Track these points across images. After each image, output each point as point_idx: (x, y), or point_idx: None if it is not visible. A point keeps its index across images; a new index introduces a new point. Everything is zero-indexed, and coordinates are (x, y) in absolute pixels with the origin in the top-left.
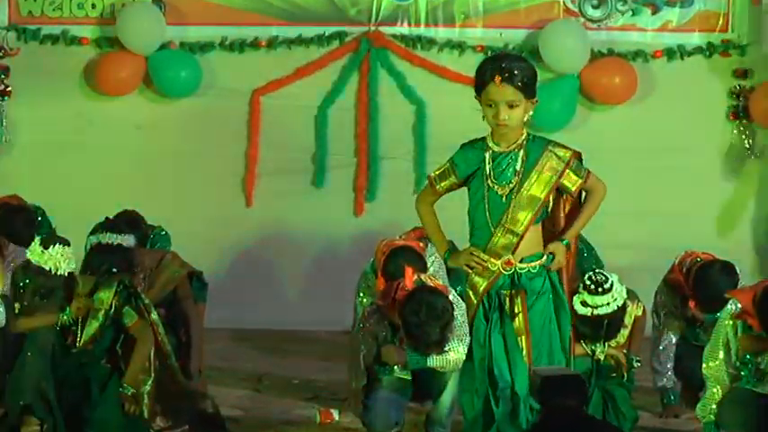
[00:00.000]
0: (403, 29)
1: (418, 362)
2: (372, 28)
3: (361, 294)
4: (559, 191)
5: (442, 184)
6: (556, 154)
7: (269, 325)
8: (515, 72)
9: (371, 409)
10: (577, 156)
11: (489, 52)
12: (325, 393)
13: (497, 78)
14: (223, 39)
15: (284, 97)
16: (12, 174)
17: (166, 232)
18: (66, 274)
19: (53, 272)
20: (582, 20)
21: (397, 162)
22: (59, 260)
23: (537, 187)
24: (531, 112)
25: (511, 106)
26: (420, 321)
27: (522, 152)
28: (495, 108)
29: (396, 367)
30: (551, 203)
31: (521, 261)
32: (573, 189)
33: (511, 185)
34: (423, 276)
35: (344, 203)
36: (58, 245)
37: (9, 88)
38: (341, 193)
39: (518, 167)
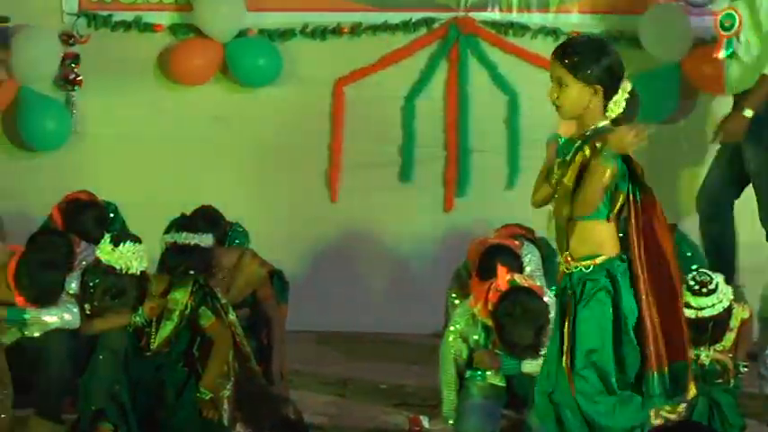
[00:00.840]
0: (494, 14)
1: (512, 367)
2: (462, 13)
3: (453, 295)
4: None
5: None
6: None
7: (354, 327)
8: (567, 49)
9: (464, 418)
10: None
11: None
12: (414, 399)
13: (552, 54)
14: (304, 25)
15: (369, 87)
16: (82, 167)
17: (244, 229)
18: (138, 274)
19: (124, 271)
20: (683, 4)
21: (489, 155)
22: (130, 258)
23: (569, 176)
24: (595, 101)
25: (560, 85)
26: (514, 324)
27: (580, 143)
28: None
29: (489, 373)
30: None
31: (575, 260)
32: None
33: (557, 176)
34: (517, 277)
35: (433, 199)
36: (128, 242)
37: (79, 77)
38: (429, 188)
39: (568, 158)
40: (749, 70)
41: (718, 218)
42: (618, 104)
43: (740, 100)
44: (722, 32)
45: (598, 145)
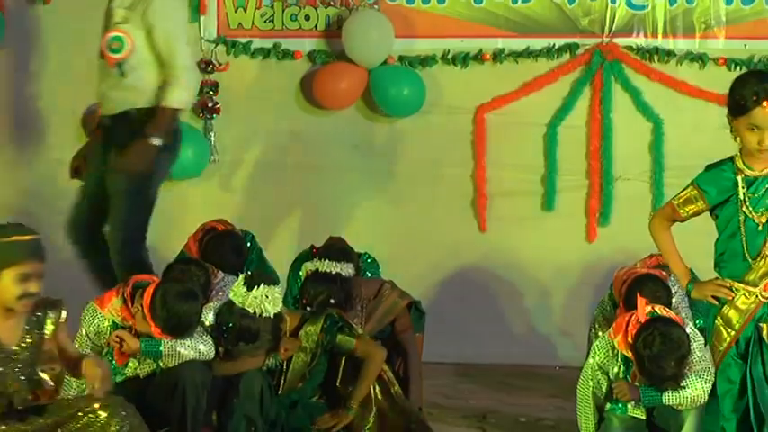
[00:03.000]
0: (639, 40)
1: (653, 398)
2: (606, 39)
3: (596, 326)
4: None
5: (688, 210)
6: None
7: (493, 359)
8: None
9: None
10: None
11: (732, 65)
12: None
13: (766, 102)
14: (445, 52)
15: (510, 114)
16: (220, 196)
17: (373, 259)
18: (272, 316)
19: (258, 314)
20: None
21: (633, 183)
22: (264, 302)
23: None
24: None
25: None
26: (654, 354)
27: None
28: (759, 133)
29: (629, 405)
30: None
31: None
32: None
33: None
34: (657, 308)
35: (576, 228)
36: (263, 285)
37: (218, 105)
38: (572, 216)
39: (760, 194)
40: None
41: None
42: None
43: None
44: None
45: None
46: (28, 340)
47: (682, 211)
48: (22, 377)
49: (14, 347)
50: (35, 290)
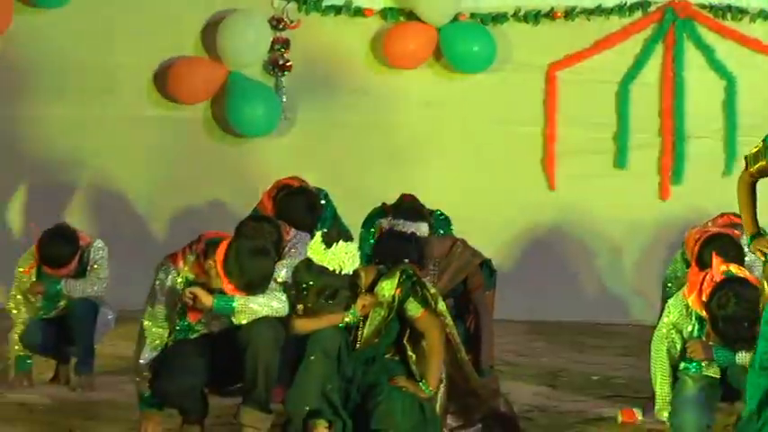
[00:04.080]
0: None
1: (726, 358)
2: None
3: (669, 285)
4: None
5: (755, 166)
6: None
7: (564, 317)
8: None
9: (679, 411)
10: None
11: None
12: (627, 391)
13: None
14: (517, 9)
15: (582, 72)
16: (292, 153)
17: (446, 216)
18: (350, 273)
19: (337, 271)
20: None
21: (706, 142)
22: (343, 259)
23: None
24: None
25: None
26: (728, 315)
27: None
28: None
29: (703, 364)
30: None
31: None
32: None
33: None
34: (732, 267)
35: (648, 186)
36: (341, 242)
37: (289, 62)
38: (644, 175)
39: None
40: None
41: None
42: None
43: None
44: None
45: None
46: None
47: (751, 167)
48: None
49: None
50: None
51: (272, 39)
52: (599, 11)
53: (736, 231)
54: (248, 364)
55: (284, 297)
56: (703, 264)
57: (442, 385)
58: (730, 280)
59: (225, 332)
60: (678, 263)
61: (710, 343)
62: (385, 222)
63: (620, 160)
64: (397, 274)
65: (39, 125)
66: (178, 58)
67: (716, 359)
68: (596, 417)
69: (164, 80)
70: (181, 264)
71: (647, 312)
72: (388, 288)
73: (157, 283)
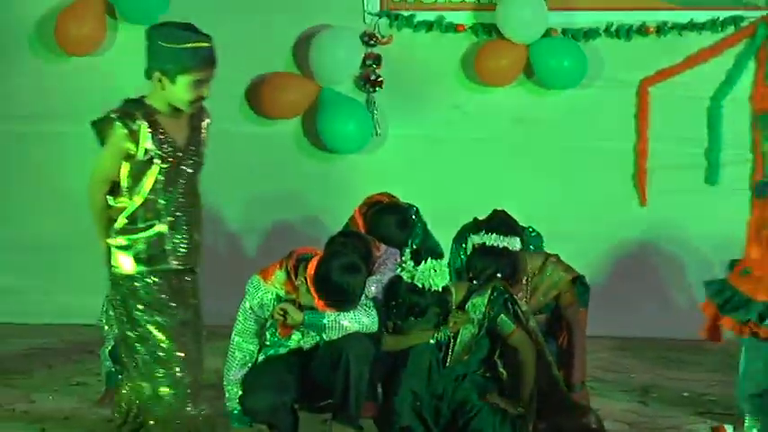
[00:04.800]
0: None
1: None
2: None
3: None
4: None
5: None
6: None
7: (656, 333)
8: None
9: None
10: None
11: None
12: (718, 408)
13: None
14: (608, 25)
15: (674, 87)
16: (383, 169)
17: (538, 233)
18: (440, 290)
19: (426, 289)
20: None
21: None
22: (432, 276)
23: None
24: None
25: None
26: None
27: None
28: None
29: None
30: None
31: None
32: None
33: None
34: None
35: (740, 202)
36: (430, 260)
37: (380, 78)
38: (736, 190)
39: None
40: None
41: None
42: None
43: None
44: None
45: None
46: (195, 138)
47: None
48: (191, 170)
49: (190, 146)
50: (206, 94)
51: (363, 55)
52: (691, 26)
53: None
54: (339, 379)
55: (374, 313)
56: None
57: (533, 402)
58: None
59: (315, 348)
60: None
61: None
62: (477, 238)
63: (711, 176)
64: (489, 290)
65: None
66: (270, 75)
67: None
68: None
69: (255, 96)
70: (272, 280)
71: None
72: (479, 304)
73: (248, 299)
